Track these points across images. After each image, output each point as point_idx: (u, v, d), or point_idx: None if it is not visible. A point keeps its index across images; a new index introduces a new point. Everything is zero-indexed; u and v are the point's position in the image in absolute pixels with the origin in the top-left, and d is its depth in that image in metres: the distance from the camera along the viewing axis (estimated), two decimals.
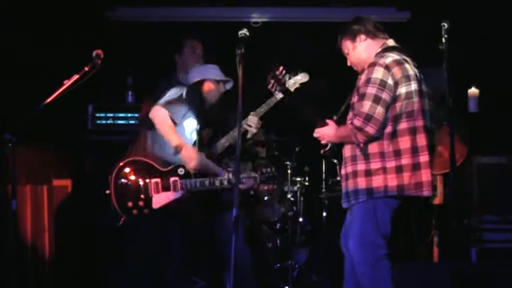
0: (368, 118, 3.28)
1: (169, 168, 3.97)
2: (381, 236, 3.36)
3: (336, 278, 3.67)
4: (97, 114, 5.28)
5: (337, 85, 3.93)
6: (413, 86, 3.37)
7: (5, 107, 4.57)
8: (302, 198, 5.36)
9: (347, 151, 3.49)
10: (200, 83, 4.19)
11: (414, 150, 3.34)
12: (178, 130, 4.05)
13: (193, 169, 3.96)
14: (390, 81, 3.32)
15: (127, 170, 3.95)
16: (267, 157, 5.43)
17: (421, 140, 3.36)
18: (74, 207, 5.00)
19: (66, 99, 3.31)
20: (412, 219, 5.19)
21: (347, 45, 3.60)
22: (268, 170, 4.13)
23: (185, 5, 5.83)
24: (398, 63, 3.38)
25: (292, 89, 3.93)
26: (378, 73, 3.33)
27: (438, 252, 5.16)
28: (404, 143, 3.34)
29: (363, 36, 3.55)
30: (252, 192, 5.25)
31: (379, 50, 3.52)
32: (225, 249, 4.03)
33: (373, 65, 3.38)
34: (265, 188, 4.61)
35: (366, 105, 3.29)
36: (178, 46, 4.46)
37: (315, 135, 3.59)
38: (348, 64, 3.65)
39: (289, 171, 5.25)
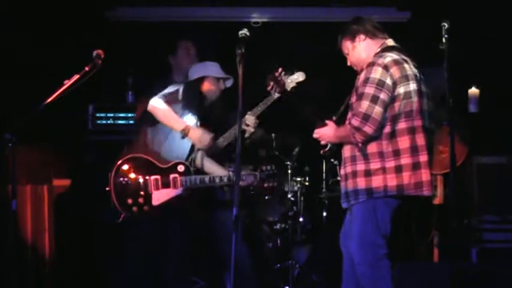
0: (366, 118, 3.28)
1: (169, 165, 3.98)
2: (381, 235, 3.37)
3: (336, 278, 3.67)
4: (97, 114, 5.28)
5: (337, 85, 3.93)
6: (412, 85, 3.37)
7: (5, 107, 4.57)
8: (302, 198, 5.36)
9: (346, 151, 3.49)
10: (200, 80, 4.19)
11: (413, 150, 3.35)
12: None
13: (205, 148, 3.96)
14: (388, 81, 3.32)
15: (127, 167, 3.95)
16: (267, 157, 5.43)
17: (420, 139, 3.37)
18: (74, 207, 5.00)
19: (66, 99, 3.31)
20: (412, 219, 5.19)
21: (347, 45, 3.61)
22: (269, 167, 4.13)
23: (185, 5, 5.83)
24: (397, 63, 3.38)
25: (288, 89, 3.94)
26: (377, 73, 3.33)
27: (438, 252, 5.16)
28: (404, 142, 3.35)
29: (362, 36, 3.55)
30: (252, 192, 5.25)
31: (378, 49, 3.52)
32: (223, 247, 4.04)
33: (371, 64, 3.38)
34: (265, 185, 4.61)
35: (364, 105, 3.29)
36: (172, 47, 4.46)
37: (314, 135, 3.60)
38: (348, 64, 3.66)
39: (289, 171, 5.25)
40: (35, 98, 3.31)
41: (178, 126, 3.97)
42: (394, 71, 3.35)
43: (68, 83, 3.29)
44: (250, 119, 4.12)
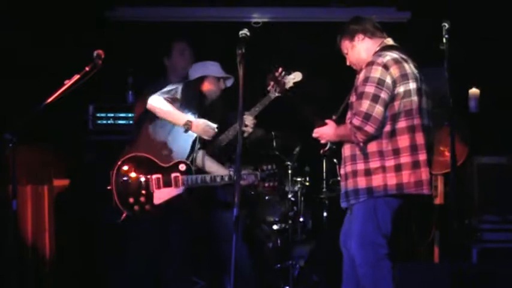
0: (367, 117, 3.28)
1: (171, 164, 3.98)
2: (381, 235, 3.36)
3: (337, 278, 3.67)
4: (97, 114, 5.27)
5: (337, 85, 3.93)
6: (412, 84, 3.37)
7: (5, 107, 4.57)
8: (303, 198, 5.36)
9: (346, 150, 3.49)
10: (200, 79, 4.19)
11: (413, 149, 3.35)
12: (178, 128, 4.05)
13: (210, 138, 3.98)
14: (388, 80, 3.32)
15: (128, 165, 3.95)
16: (267, 157, 5.43)
17: (420, 138, 3.37)
18: (74, 207, 5.00)
19: (66, 99, 3.31)
20: (413, 219, 5.19)
21: (346, 45, 3.61)
22: (269, 167, 4.14)
23: (185, 5, 5.82)
24: (397, 61, 3.38)
25: (286, 88, 3.95)
26: (376, 72, 3.33)
27: (438, 252, 5.16)
28: (403, 141, 3.35)
29: (361, 36, 3.56)
30: (252, 193, 5.25)
31: (378, 48, 3.52)
32: (224, 248, 4.04)
33: (371, 64, 3.38)
34: (266, 185, 4.62)
35: (365, 104, 3.29)
36: (167, 49, 4.46)
37: (314, 135, 3.60)
38: (347, 64, 3.66)
39: (289, 171, 5.25)
40: (35, 98, 3.31)
41: (180, 120, 3.97)
42: (394, 69, 3.35)
43: (68, 83, 3.29)
44: (248, 119, 4.13)
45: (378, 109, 3.29)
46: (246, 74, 3.07)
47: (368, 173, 3.37)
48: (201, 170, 4.08)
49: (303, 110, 3.67)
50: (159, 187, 3.95)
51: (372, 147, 3.37)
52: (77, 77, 3.31)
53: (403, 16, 5.83)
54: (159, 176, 3.95)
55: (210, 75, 4.22)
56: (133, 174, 3.94)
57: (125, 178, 3.93)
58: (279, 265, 5.17)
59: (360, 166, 3.40)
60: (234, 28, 3.34)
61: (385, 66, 3.35)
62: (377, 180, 3.35)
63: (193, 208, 4.14)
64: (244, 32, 3.19)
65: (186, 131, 3.97)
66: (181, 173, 3.97)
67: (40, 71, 4.95)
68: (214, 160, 4.15)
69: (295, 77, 4.12)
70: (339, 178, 3.74)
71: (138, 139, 4.17)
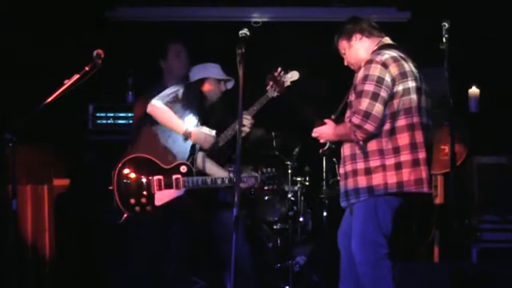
0: (367, 115, 3.28)
1: (172, 165, 3.98)
2: (382, 235, 3.36)
3: (337, 278, 3.67)
4: (97, 114, 5.28)
5: (336, 85, 3.93)
6: (410, 83, 3.37)
7: (5, 107, 4.57)
8: (302, 198, 5.35)
9: (346, 150, 3.49)
10: (201, 81, 4.20)
11: (413, 147, 3.35)
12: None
13: (210, 147, 3.98)
14: (387, 78, 3.32)
15: (130, 166, 3.96)
16: (267, 157, 5.43)
17: (419, 136, 3.37)
18: (74, 207, 5.00)
19: (66, 99, 3.31)
20: (413, 219, 5.19)
21: (343, 45, 3.61)
22: (269, 170, 4.14)
23: (185, 5, 5.83)
24: (395, 60, 3.38)
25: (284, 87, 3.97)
26: (375, 70, 3.33)
27: (438, 252, 5.16)
28: (403, 139, 3.35)
29: (358, 36, 3.56)
30: (252, 193, 5.25)
31: (375, 47, 3.52)
32: (224, 247, 4.04)
33: (369, 62, 3.38)
34: (266, 188, 4.64)
35: (364, 103, 3.29)
36: (162, 51, 4.45)
37: (313, 134, 3.60)
38: (345, 64, 3.65)
39: (289, 171, 5.24)
40: (35, 98, 3.31)
41: (179, 129, 3.98)
42: (393, 68, 3.35)
43: (68, 83, 3.29)
44: (246, 119, 4.13)
45: (378, 107, 3.29)
46: (246, 74, 3.07)
47: (368, 171, 3.37)
48: (201, 172, 4.08)
49: (302, 109, 3.67)
50: (160, 188, 3.95)
51: (372, 145, 3.37)
52: (76, 76, 3.31)
53: (403, 16, 5.83)
54: (161, 177, 3.95)
55: (211, 77, 4.22)
56: (135, 175, 3.95)
57: (127, 179, 3.94)
58: (279, 265, 5.17)
59: (360, 165, 3.40)
60: (234, 28, 3.34)
61: (384, 64, 3.35)
62: (377, 179, 3.35)
63: (194, 210, 4.14)
64: (244, 31, 3.19)
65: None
66: (183, 174, 3.98)
67: (40, 71, 4.95)
68: (213, 162, 4.16)
69: (292, 75, 4.15)
70: (338, 178, 3.74)
71: (139, 140, 4.17)
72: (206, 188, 4.01)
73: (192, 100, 4.12)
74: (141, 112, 4.25)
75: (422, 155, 3.36)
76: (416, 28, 5.61)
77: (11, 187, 3.27)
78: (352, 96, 3.45)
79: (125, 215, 3.91)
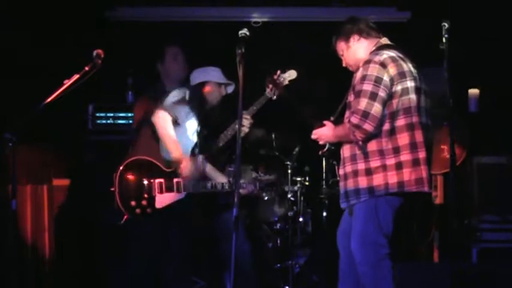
0: (365, 115, 3.28)
1: (173, 169, 3.98)
2: (383, 235, 3.36)
3: (336, 278, 3.67)
4: (97, 114, 5.28)
5: (336, 85, 3.93)
6: (409, 82, 3.37)
7: (5, 107, 4.57)
8: (302, 198, 5.35)
9: (346, 151, 3.48)
10: (202, 85, 4.20)
11: (413, 146, 3.34)
12: (180, 131, 4.07)
13: (185, 179, 3.95)
14: (386, 78, 3.32)
15: (132, 168, 3.96)
16: (267, 157, 5.43)
17: (419, 136, 3.37)
18: (74, 206, 5.00)
19: (66, 99, 3.31)
20: (414, 219, 5.19)
21: (341, 46, 3.61)
22: (267, 177, 4.16)
23: (185, 5, 5.83)
24: (394, 60, 3.38)
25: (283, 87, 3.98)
26: (374, 70, 3.33)
27: (438, 252, 5.16)
28: (403, 139, 3.34)
29: (356, 36, 3.55)
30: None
31: (374, 48, 3.52)
32: (224, 247, 4.05)
33: (368, 62, 3.38)
34: (264, 194, 4.70)
35: (363, 103, 3.29)
36: (160, 54, 4.45)
37: (312, 136, 3.60)
38: (344, 65, 3.65)
39: (289, 171, 5.24)
40: (35, 98, 3.31)
41: (174, 153, 3.96)
42: (391, 67, 3.35)
43: (68, 83, 3.29)
44: (245, 120, 4.14)
45: (376, 107, 3.28)
46: (246, 74, 3.07)
47: (369, 172, 3.36)
48: (202, 175, 4.09)
49: (301, 111, 3.67)
50: (161, 191, 3.96)
51: (372, 146, 3.36)
52: (76, 76, 3.30)
53: (403, 16, 5.83)
54: (162, 180, 3.96)
55: (211, 80, 4.23)
56: (136, 177, 3.95)
57: (129, 181, 3.94)
58: (278, 265, 5.17)
59: (361, 166, 3.39)
60: (233, 28, 3.34)
61: (383, 64, 3.35)
62: (378, 179, 3.34)
63: (194, 214, 4.15)
64: (244, 31, 3.19)
65: (173, 164, 3.96)
66: (184, 178, 3.98)
67: (40, 71, 4.95)
68: (213, 166, 4.17)
69: (290, 75, 4.17)
70: (338, 178, 3.73)
71: (139, 141, 4.17)
72: (206, 192, 4.02)
73: (195, 104, 4.12)
74: (141, 113, 4.25)
75: (422, 154, 3.36)
76: (416, 28, 5.61)
77: (11, 187, 3.27)
78: (351, 97, 3.45)
79: (125, 217, 3.91)
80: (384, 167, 3.34)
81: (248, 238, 4.37)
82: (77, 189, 5.06)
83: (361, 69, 3.40)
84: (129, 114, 5.24)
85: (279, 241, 5.32)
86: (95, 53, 3.38)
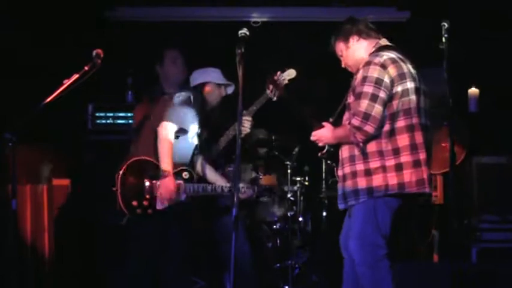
0: (366, 117, 3.27)
1: (175, 171, 3.98)
2: (381, 236, 3.35)
3: (336, 278, 3.67)
4: (97, 114, 5.28)
5: (336, 85, 3.93)
6: (409, 83, 3.37)
7: (5, 107, 4.57)
8: (302, 198, 5.35)
9: (344, 152, 3.48)
10: (201, 86, 4.20)
11: (413, 148, 3.34)
12: (183, 136, 4.07)
13: (159, 198, 3.92)
14: (387, 79, 3.32)
15: (134, 169, 3.97)
16: (267, 157, 5.43)
17: (419, 137, 3.36)
18: (74, 206, 5.00)
19: (66, 98, 3.30)
20: (413, 219, 5.19)
21: (340, 47, 3.60)
22: (265, 184, 4.19)
23: (185, 5, 5.83)
24: (394, 61, 3.38)
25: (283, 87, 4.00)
26: (374, 71, 3.33)
27: (438, 252, 5.16)
28: (403, 140, 3.34)
29: (355, 37, 3.55)
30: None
31: (373, 49, 3.51)
32: (224, 248, 4.05)
33: (368, 63, 3.37)
34: (261, 199, 4.73)
35: (364, 104, 3.29)
36: (159, 57, 4.46)
37: (312, 138, 3.59)
38: (342, 66, 3.64)
39: (289, 171, 5.25)
40: (35, 98, 3.30)
41: (164, 164, 3.92)
42: (391, 69, 3.34)
43: (67, 83, 3.28)
44: (245, 119, 4.14)
45: (377, 108, 3.28)
46: (246, 74, 3.07)
47: (368, 173, 3.36)
48: (201, 178, 4.10)
49: (300, 111, 3.67)
50: None
51: (372, 147, 3.36)
52: (76, 76, 3.30)
53: (403, 16, 5.84)
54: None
55: (211, 81, 4.23)
56: (139, 178, 3.95)
57: (131, 181, 3.94)
58: (278, 265, 5.17)
59: (360, 167, 3.38)
60: (233, 28, 3.34)
61: (383, 66, 3.34)
62: (377, 180, 3.34)
63: (194, 217, 4.16)
64: (244, 31, 3.19)
65: (160, 176, 3.93)
66: (184, 180, 3.99)
67: (40, 71, 4.96)
68: (212, 168, 4.17)
69: (290, 74, 4.17)
70: (337, 179, 3.73)
71: (140, 143, 4.17)
72: (206, 195, 4.03)
73: (196, 105, 4.13)
74: (142, 115, 4.26)
75: (422, 155, 3.36)
76: (416, 28, 5.61)
77: (11, 187, 3.27)
78: (350, 98, 3.44)
79: (127, 217, 3.92)
80: (384, 168, 3.33)
81: (248, 238, 4.37)
82: (76, 189, 5.06)
83: (361, 70, 3.39)
84: (129, 114, 5.24)
85: (278, 241, 5.32)
86: (94, 52, 3.38)
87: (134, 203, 3.92)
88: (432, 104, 3.52)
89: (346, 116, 3.49)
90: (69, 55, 4.67)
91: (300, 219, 5.36)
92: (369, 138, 3.33)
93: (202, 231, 4.30)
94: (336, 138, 3.51)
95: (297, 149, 5.28)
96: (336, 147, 3.56)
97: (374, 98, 3.28)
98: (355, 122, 3.29)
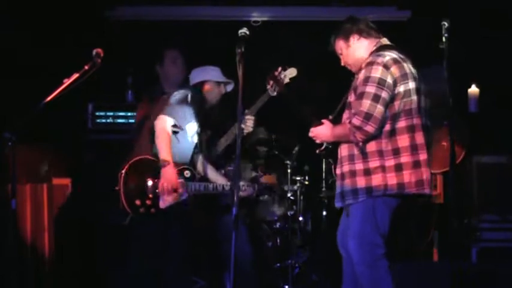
0: (368, 117, 3.27)
1: (176, 169, 3.98)
2: (379, 235, 3.35)
3: (336, 278, 3.67)
4: (97, 113, 5.28)
5: (336, 84, 3.93)
6: (411, 84, 3.37)
7: (5, 107, 4.57)
8: (302, 198, 5.36)
9: (343, 150, 3.47)
10: (201, 84, 4.20)
11: (413, 148, 3.34)
12: (181, 134, 4.07)
13: (159, 190, 3.92)
14: (389, 80, 3.32)
15: (137, 168, 3.96)
16: (267, 156, 5.43)
17: (420, 138, 3.36)
18: (74, 206, 5.00)
19: (66, 98, 3.30)
20: (412, 219, 5.19)
21: (340, 45, 3.59)
22: (265, 183, 4.18)
23: (185, 4, 5.83)
24: (396, 61, 3.38)
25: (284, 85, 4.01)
26: (377, 72, 3.32)
27: (438, 252, 5.16)
28: (403, 141, 3.34)
29: (356, 36, 3.54)
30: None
31: (374, 48, 3.51)
32: (226, 247, 4.04)
33: (371, 63, 3.37)
34: (261, 198, 4.73)
35: (366, 104, 3.28)
36: (159, 57, 4.46)
37: (310, 134, 3.59)
38: (342, 64, 3.64)
39: (289, 171, 5.25)
40: (35, 98, 3.31)
41: (162, 154, 3.92)
42: (394, 69, 3.34)
43: (67, 82, 3.28)
44: (248, 117, 4.14)
45: (379, 109, 3.28)
46: (246, 73, 3.07)
47: (367, 172, 3.36)
48: (203, 176, 4.10)
49: (300, 108, 3.67)
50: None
51: (371, 146, 3.36)
52: (76, 75, 3.30)
53: (403, 15, 5.84)
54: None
55: (211, 80, 4.23)
56: (141, 177, 3.95)
57: (134, 180, 3.94)
58: (278, 264, 5.17)
59: (359, 166, 3.38)
60: (233, 27, 3.34)
61: (386, 66, 3.34)
62: (377, 180, 3.33)
63: (196, 214, 4.16)
64: (244, 31, 3.19)
65: (161, 166, 3.92)
66: (186, 179, 3.99)
67: (40, 71, 4.96)
68: (212, 167, 4.18)
69: (291, 72, 4.17)
70: (334, 177, 3.73)
71: (141, 142, 4.17)
72: (208, 193, 4.03)
73: (195, 104, 4.13)
74: (143, 114, 4.26)
75: (423, 156, 3.36)
76: (416, 27, 5.61)
77: (11, 186, 3.26)
78: (351, 97, 3.44)
79: (130, 216, 3.92)
80: (383, 168, 3.33)
81: (250, 239, 4.37)
82: (76, 188, 5.06)
83: (363, 70, 3.39)
84: (129, 114, 5.24)
85: (278, 240, 5.32)
86: (94, 52, 3.38)
87: (137, 202, 3.92)
88: (432, 103, 3.52)
89: (346, 114, 3.48)
90: (69, 55, 4.67)
91: (300, 218, 5.36)
92: (369, 138, 3.32)
93: (204, 230, 4.30)
94: (334, 137, 3.51)
95: (297, 149, 5.28)
96: (334, 144, 3.56)
97: (376, 98, 3.28)
98: (356, 121, 3.29)
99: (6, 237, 4.16)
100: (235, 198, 3.01)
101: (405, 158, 3.33)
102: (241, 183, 4.11)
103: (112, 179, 3.97)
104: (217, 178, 4.15)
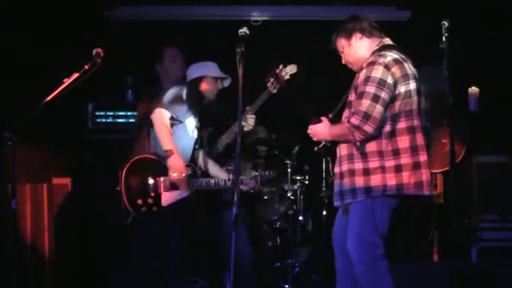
0: (367, 117, 3.27)
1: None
2: (379, 235, 3.35)
3: (336, 277, 3.66)
4: (97, 113, 5.28)
5: (336, 83, 3.93)
6: (412, 85, 3.36)
7: (5, 107, 4.57)
8: (302, 197, 5.36)
9: (343, 149, 3.47)
10: (198, 79, 4.20)
11: (413, 149, 3.34)
12: (181, 129, 4.07)
13: (172, 180, 3.94)
14: (390, 80, 3.31)
15: (138, 166, 3.97)
16: (267, 156, 5.43)
17: (420, 139, 3.36)
18: (74, 206, 5.00)
19: (66, 97, 3.30)
20: (411, 219, 5.19)
21: (342, 44, 3.58)
22: (267, 173, 4.16)
23: (185, 4, 5.83)
24: (398, 62, 3.37)
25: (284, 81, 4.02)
26: (378, 72, 3.32)
27: (438, 252, 5.16)
28: (403, 142, 3.33)
29: (358, 35, 3.53)
30: (252, 191, 5.25)
31: (376, 48, 3.51)
32: (226, 247, 4.04)
33: (372, 63, 3.37)
34: (264, 190, 4.70)
35: (365, 104, 3.28)
36: (158, 55, 4.46)
37: (308, 131, 3.58)
38: (343, 62, 3.64)
39: (289, 170, 5.25)
40: (35, 98, 3.31)
41: (166, 145, 3.94)
42: (395, 70, 3.34)
43: (67, 82, 3.28)
44: (249, 116, 4.14)
45: (378, 109, 3.27)
46: (246, 73, 3.07)
47: (367, 172, 3.35)
48: (204, 172, 4.10)
49: (300, 106, 3.67)
50: (166, 189, 3.95)
51: (371, 147, 3.35)
52: (76, 75, 3.30)
53: (403, 15, 5.84)
54: (167, 178, 3.95)
55: (208, 75, 4.23)
56: (142, 176, 3.95)
57: (135, 179, 3.94)
58: (278, 264, 5.17)
59: (358, 165, 3.37)
60: (233, 26, 3.34)
61: (387, 67, 3.33)
62: (376, 180, 3.33)
63: (198, 211, 4.16)
64: (244, 30, 3.19)
65: (165, 157, 3.95)
66: (188, 176, 3.99)
67: (40, 71, 4.96)
68: (213, 162, 4.17)
69: (291, 69, 4.18)
70: (332, 175, 3.72)
71: (141, 141, 4.18)
72: (210, 189, 4.02)
73: (193, 99, 4.12)
74: (143, 113, 4.26)
75: (423, 157, 3.35)
76: (416, 27, 5.61)
77: (11, 186, 3.26)
78: (352, 96, 3.43)
79: (131, 216, 3.92)
80: (383, 169, 3.33)
81: (250, 239, 4.37)
82: (77, 188, 5.06)
83: (364, 70, 3.38)
84: (129, 113, 5.24)
85: (278, 240, 5.32)
86: (94, 51, 3.38)
87: (139, 201, 3.92)
88: (432, 103, 3.52)
89: (346, 113, 3.48)
90: (69, 55, 4.67)
91: (300, 218, 5.36)
92: (368, 138, 3.32)
93: (205, 229, 4.29)
94: (332, 135, 3.50)
95: (297, 148, 5.28)
96: (332, 142, 3.55)
97: (376, 98, 3.28)
98: (355, 120, 3.28)
99: (6, 237, 4.16)
100: (235, 198, 3.00)
101: (405, 159, 3.33)
102: (243, 177, 4.09)
103: (112, 178, 3.97)
104: (218, 173, 4.15)
